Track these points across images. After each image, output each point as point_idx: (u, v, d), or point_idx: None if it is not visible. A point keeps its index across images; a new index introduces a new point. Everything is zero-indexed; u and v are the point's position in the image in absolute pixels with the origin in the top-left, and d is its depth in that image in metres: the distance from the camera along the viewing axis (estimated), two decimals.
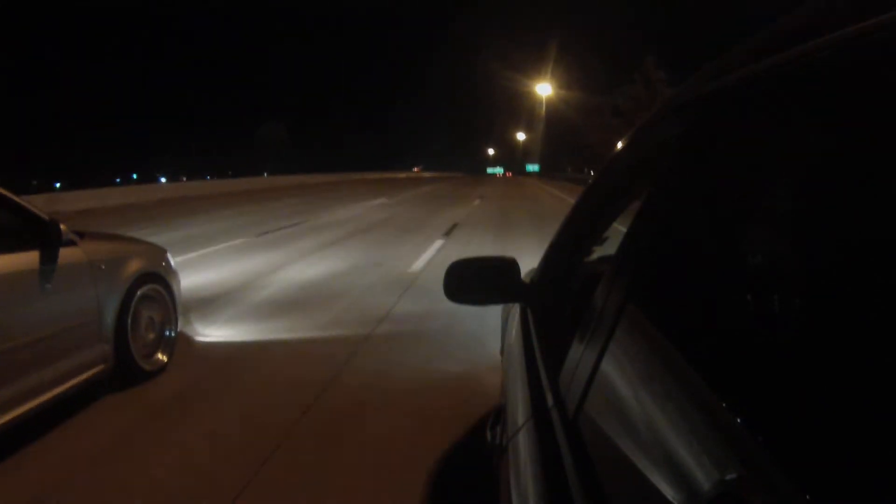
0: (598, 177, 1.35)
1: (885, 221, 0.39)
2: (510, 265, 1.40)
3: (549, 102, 50.52)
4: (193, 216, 13.27)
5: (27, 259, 2.45)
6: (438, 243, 8.59)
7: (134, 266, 3.11)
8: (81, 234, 2.87)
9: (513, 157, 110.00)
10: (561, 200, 19.19)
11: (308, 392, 2.93)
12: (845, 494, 0.33)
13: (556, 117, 52.03)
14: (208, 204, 17.48)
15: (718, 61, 0.75)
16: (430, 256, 7.35)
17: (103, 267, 2.87)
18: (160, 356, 3.31)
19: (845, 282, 0.42)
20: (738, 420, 0.43)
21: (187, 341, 3.81)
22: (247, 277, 5.93)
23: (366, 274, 6.15)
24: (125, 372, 3.00)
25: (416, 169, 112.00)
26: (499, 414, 1.35)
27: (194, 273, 6.02)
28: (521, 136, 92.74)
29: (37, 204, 2.66)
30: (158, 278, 3.33)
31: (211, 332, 4.04)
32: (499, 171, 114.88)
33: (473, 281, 1.42)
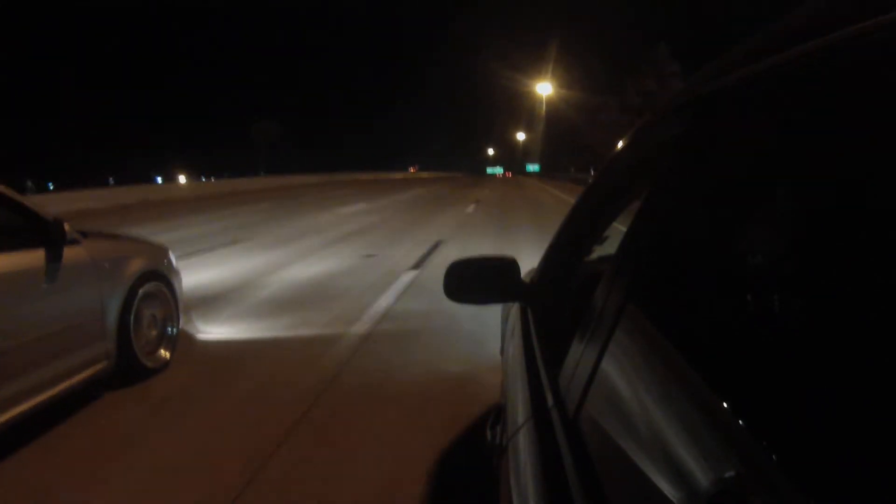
0: (598, 177, 1.35)
1: (885, 221, 0.39)
2: (510, 265, 1.40)
3: (550, 102, 50.34)
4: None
5: (32, 257, 2.50)
6: (405, 279, 5.66)
7: (136, 265, 3.15)
8: (85, 234, 2.91)
9: (513, 157, 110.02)
10: (568, 205, 15.65)
11: None
12: (843, 493, 0.33)
13: (557, 117, 51.83)
14: (163, 210, 15.43)
15: (718, 61, 0.75)
16: (384, 306, 4.58)
17: (106, 265, 2.91)
18: (163, 353, 3.36)
19: (845, 282, 0.42)
20: (738, 420, 0.43)
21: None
22: None
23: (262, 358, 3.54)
24: (128, 369, 3.04)
25: (411, 169, 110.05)
26: (499, 413, 1.35)
27: None
28: (520, 136, 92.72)
29: None
30: (160, 276, 3.38)
31: None
32: (498, 171, 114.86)
33: (473, 280, 1.42)
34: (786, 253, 0.56)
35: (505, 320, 1.93)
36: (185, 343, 3.73)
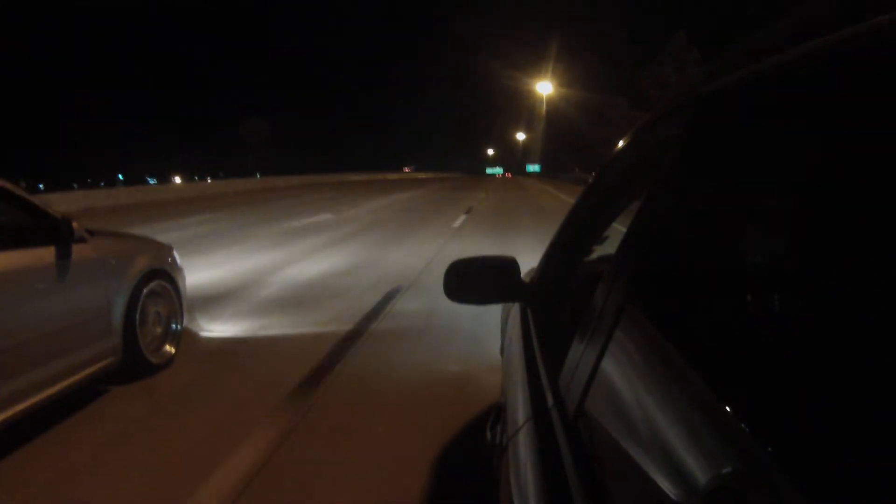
0: (598, 176, 1.35)
1: (885, 221, 0.39)
2: (510, 265, 1.40)
3: (551, 101, 50.01)
4: None
5: (43, 255, 2.56)
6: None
7: (142, 263, 3.21)
8: (92, 232, 2.97)
9: (512, 157, 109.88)
10: None
11: None
12: (840, 490, 0.33)
13: (558, 116, 51.44)
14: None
15: (718, 61, 0.75)
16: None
17: (113, 263, 2.97)
18: (168, 348, 3.43)
19: (845, 282, 0.42)
20: (738, 419, 0.43)
21: None
22: None
23: None
24: (134, 365, 3.10)
25: (406, 169, 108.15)
26: (499, 413, 1.35)
27: None
28: (520, 136, 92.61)
29: None
30: (165, 274, 3.43)
31: None
32: (498, 171, 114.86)
33: (473, 280, 1.42)
34: (785, 253, 0.56)
35: (505, 320, 1.93)
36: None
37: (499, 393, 1.63)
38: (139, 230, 6.77)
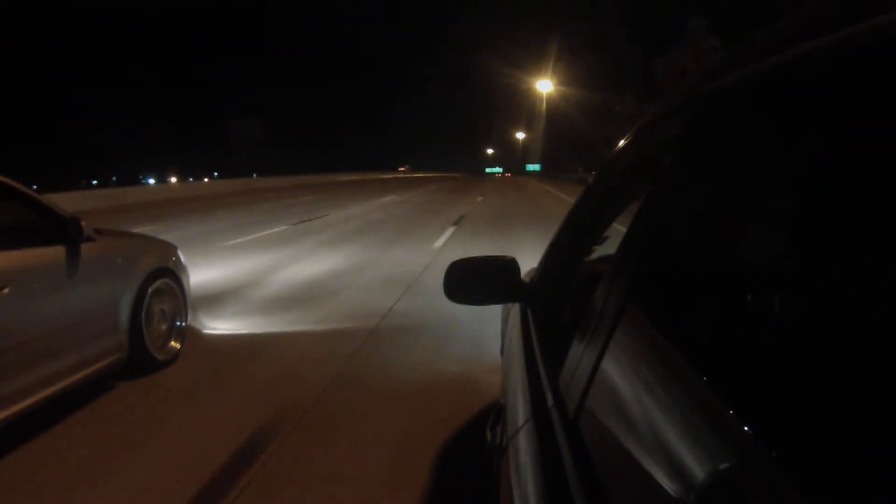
0: (598, 176, 1.35)
1: (885, 221, 0.39)
2: (510, 265, 1.40)
3: (551, 100, 49.80)
4: None
5: (54, 253, 2.65)
6: None
7: (147, 261, 3.29)
8: (100, 231, 3.04)
9: (512, 157, 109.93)
10: None
11: None
12: (837, 488, 0.33)
13: (558, 115, 51.25)
14: None
15: (718, 62, 0.75)
16: None
17: (120, 262, 3.05)
18: (173, 344, 3.51)
19: (845, 282, 0.42)
20: (739, 420, 0.43)
21: None
22: None
23: None
24: (140, 361, 3.17)
25: (401, 169, 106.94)
26: (499, 414, 1.35)
27: None
28: (520, 136, 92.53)
29: None
30: (170, 273, 3.50)
31: None
32: (498, 170, 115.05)
33: (473, 281, 1.42)
34: (785, 253, 0.56)
35: (505, 321, 1.93)
36: None
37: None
38: None
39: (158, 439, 2.53)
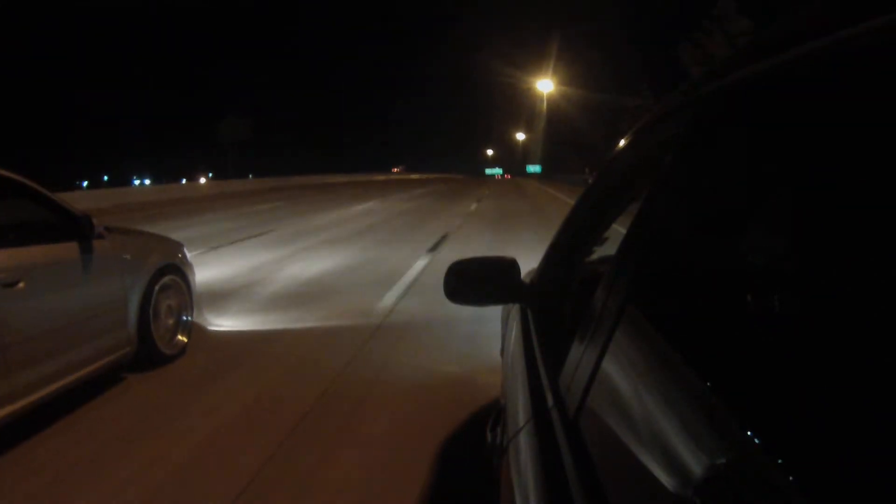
0: (598, 177, 1.35)
1: (885, 221, 0.39)
2: (510, 265, 1.40)
3: (551, 100, 49.44)
4: None
5: (67, 250, 2.74)
6: None
7: (155, 258, 3.38)
8: (109, 229, 3.13)
9: (512, 158, 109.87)
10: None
11: None
12: (840, 491, 0.33)
13: (559, 115, 50.86)
14: None
15: (718, 61, 0.75)
16: None
17: (129, 258, 3.14)
18: (181, 338, 3.61)
19: (845, 282, 0.42)
20: (739, 421, 0.43)
21: None
22: None
23: None
24: (147, 355, 3.26)
25: (395, 170, 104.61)
26: (499, 414, 1.35)
27: None
28: (520, 137, 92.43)
29: None
30: (176, 269, 3.59)
31: None
32: (498, 171, 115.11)
33: (473, 281, 1.42)
34: (786, 253, 0.56)
35: (505, 321, 1.93)
36: None
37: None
38: None
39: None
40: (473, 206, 16.74)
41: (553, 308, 1.35)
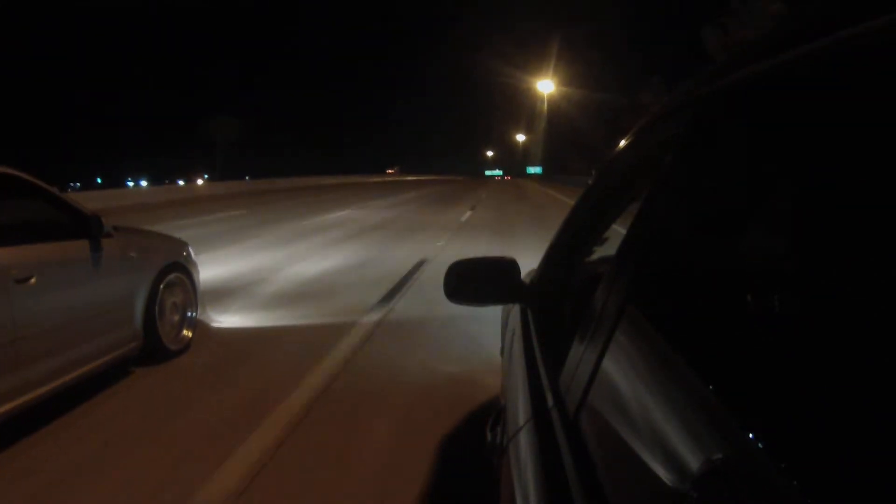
0: (599, 177, 1.35)
1: (885, 221, 0.39)
2: (510, 265, 1.40)
3: (552, 100, 49.22)
4: None
5: (77, 247, 2.84)
6: None
7: (161, 256, 3.50)
8: (116, 228, 3.22)
9: (513, 159, 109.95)
10: None
11: None
12: (840, 491, 0.33)
13: (560, 115, 50.65)
14: None
15: (718, 61, 0.75)
16: None
17: (136, 256, 3.25)
18: (185, 333, 3.71)
19: (845, 282, 0.42)
20: (739, 421, 0.43)
21: None
22: None
23: None
24: (153, 351, 3.37)
25: (389, 171, 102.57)
26: (499, 414, 1.35)
27: None
28: (521, 138, 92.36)
29: None
30: (181, 267, 3.69)
31: None
32: (498, 173, 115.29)
33: (473, 281, 1.42)
34: (785, 253, 0.56)
35: (505, 321, 1.93)
36: None
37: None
38: None
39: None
40: (466, 216, 13.86)
41: (553, 308, 1.35)
